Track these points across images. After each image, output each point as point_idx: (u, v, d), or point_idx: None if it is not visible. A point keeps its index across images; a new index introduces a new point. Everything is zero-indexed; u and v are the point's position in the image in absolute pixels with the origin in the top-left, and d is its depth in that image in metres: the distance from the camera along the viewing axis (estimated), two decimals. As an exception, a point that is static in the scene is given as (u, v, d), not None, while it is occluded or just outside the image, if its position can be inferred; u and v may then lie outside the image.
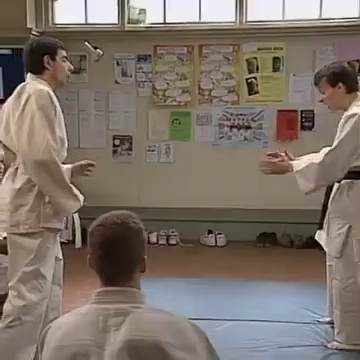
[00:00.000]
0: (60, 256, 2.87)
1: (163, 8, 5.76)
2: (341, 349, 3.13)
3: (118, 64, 5.81)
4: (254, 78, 5.68)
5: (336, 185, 3.12)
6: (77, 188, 2.74)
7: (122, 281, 1.46)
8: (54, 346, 1.39)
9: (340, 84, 3.05)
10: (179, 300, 3.90)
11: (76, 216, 5.41)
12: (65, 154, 2.77)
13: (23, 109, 2.59)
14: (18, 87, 2.74)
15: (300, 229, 5.60)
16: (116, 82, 5.86)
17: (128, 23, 5.79)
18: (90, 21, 5.86)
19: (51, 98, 2.63)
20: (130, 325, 1.37)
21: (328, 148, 3.10)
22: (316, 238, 3.39)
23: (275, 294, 4.08)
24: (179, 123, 5.82)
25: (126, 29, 5.78)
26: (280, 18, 5.63)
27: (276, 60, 5.63)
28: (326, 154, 2.99)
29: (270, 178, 5.65)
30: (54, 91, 2.73)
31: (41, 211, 2.63)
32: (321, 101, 3.18)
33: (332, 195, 3.14)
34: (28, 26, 5.57)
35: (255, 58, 5.65)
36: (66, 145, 2.77)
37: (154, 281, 4.29)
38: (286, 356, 3.09)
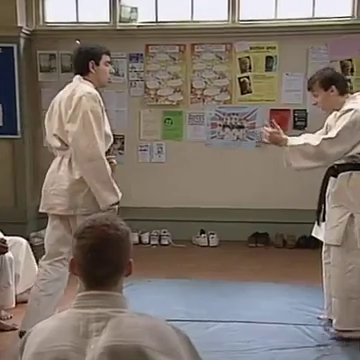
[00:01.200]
0: None
1: (155, 7, 5.71)
2: (339, 337, 3.21)
3: (110, 63, 5.73)
4: (247, 77, 5.64)
5: (332, 179, 3.23)
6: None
7: (108, 284, 1.43)
8: (33, 352, 1.35)
9: (333, 87, 3.21)
10: (170, 301, 3.89)
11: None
12: (109, 146, 3.20)
13: (75, 108, 3.01)
14: (67, 87, 3.18)
15: (293, 229, 5.57)
16: (108, 81, 5.79)
17: (120, 22, 5.73)
18: (81, 20, 5.80)
19: (99, 99, 3.07)
20: (111, 330, 1.34)
21: (324, 134, 3.26)
22: (313, 234, 3.47)
23: (267, 295, 4.05)
24: (171, 122, 5.77)
25: (118, 28, 5.72)
26: (273, 17, 5.60)
27: (269, 59, 5.59)
28: (325, 139, 3.10)
29: (263, 178, 5.67)
30: (97, 89, 3.20)
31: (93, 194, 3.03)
32: (315, 104, 3.35)
33: (329, 188, 3.25)
34: (18, 25, 5.50)
35: (248, 57, 5.61)
36: (112, 139, 3.21)
37: (145, 282, 4.26)
38: (278, 358, 3.06)
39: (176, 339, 1.40)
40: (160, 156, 5.82)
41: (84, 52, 3.20)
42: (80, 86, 3.11)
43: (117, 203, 3.10)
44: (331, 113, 3.36)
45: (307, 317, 3.55)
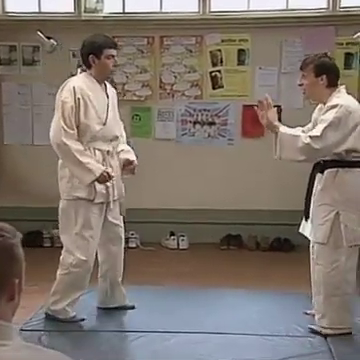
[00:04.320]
0: (117, 222, 3.49)
1: (122, -4, 5.45)
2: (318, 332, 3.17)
3: (74, 56, 5.43)
4: (218, 71, 5.39)
5: (319, 175, 3.19)
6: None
7: None
8: None
9: (323, 76, 3.17)
10: (132, 310, 3.63)
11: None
12: (97, 135, 3.34)
13: (57, 102, 3.31)
14: None
15: (267, 231, 5.35)
16: (72, 75, 5.37)
17: (85, 12, 5.44)
18: (44, 9, 5.48)
19: (74, 93, 3.25)
20: None
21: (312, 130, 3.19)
22: (300, 230, 3.42)
23: (235, 303, 3.81)
24: (139, 119, 5.50)
25: (83, 18, 5.43)
26: (245, 8, 5.35)
27: (241, 52, 5.35)
28: (310, 137, 3.06)
29: (236, 177, 5.42)
30: (102, 81, 3.41)
31: (74, 182, 3.30)
32: (301, 85, 3.30)
33: (316, 185, 3.23)
34: (-24, 14, 5.19)
35: (219, 50, 5.36)
36: (95, 128, 3.32)
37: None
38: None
39: None
40: (128, 154, 5.54)
41: (86, 46, 3.35)
42: (70, 80, 3.36)
43: (106, 178, 3.28)
44: (317, 105, 3.33)
45: (276, 327, 3.32)
